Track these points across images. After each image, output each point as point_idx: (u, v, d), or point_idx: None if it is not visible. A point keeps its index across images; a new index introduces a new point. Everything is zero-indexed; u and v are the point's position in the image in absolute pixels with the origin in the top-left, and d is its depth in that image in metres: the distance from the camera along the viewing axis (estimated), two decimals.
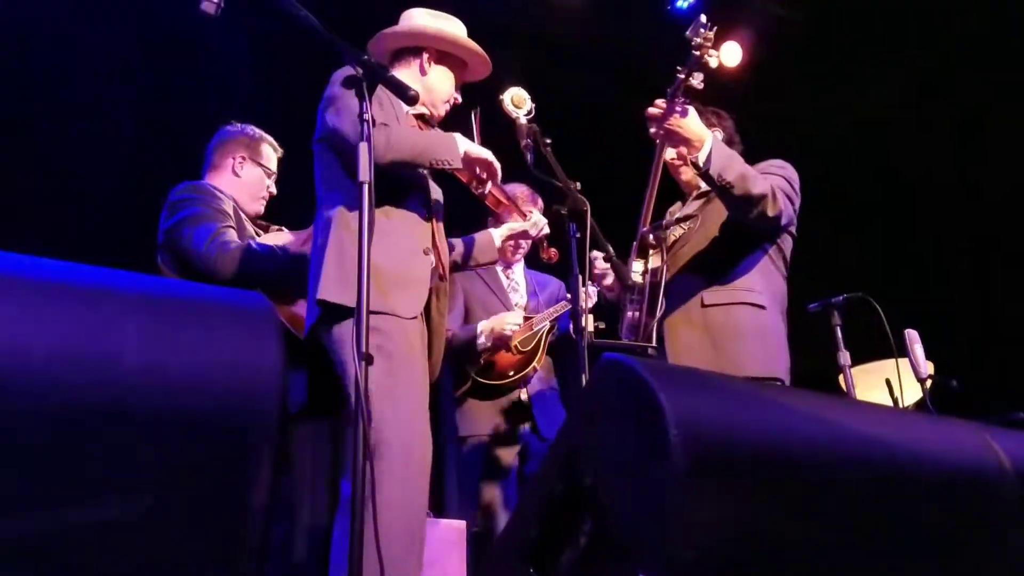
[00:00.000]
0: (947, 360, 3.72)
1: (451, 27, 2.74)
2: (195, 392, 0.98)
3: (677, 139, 2.67)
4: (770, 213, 2.70)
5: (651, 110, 2.64)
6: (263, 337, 1.03)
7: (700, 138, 2.63)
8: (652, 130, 2.67)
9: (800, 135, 5.47)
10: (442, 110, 2.70)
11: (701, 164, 2.61)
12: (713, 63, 2.57)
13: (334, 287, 2.34)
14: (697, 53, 2.55)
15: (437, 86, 2.68)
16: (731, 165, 2.64)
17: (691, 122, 2.64)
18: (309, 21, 2.08)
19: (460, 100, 2.75)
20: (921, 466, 1.38)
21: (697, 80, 2.59)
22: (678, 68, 2.61)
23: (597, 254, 2.82)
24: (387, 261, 2.35)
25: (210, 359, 0.99)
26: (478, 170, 2.56)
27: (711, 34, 2.56)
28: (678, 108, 2.62)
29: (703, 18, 2.57)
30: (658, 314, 2.75)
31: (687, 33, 2.59)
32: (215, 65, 4.22)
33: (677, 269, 2.84)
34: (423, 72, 2.68)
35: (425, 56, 2.69)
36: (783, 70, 5.26)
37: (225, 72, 4.23)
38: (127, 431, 0.94)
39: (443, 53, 2.71)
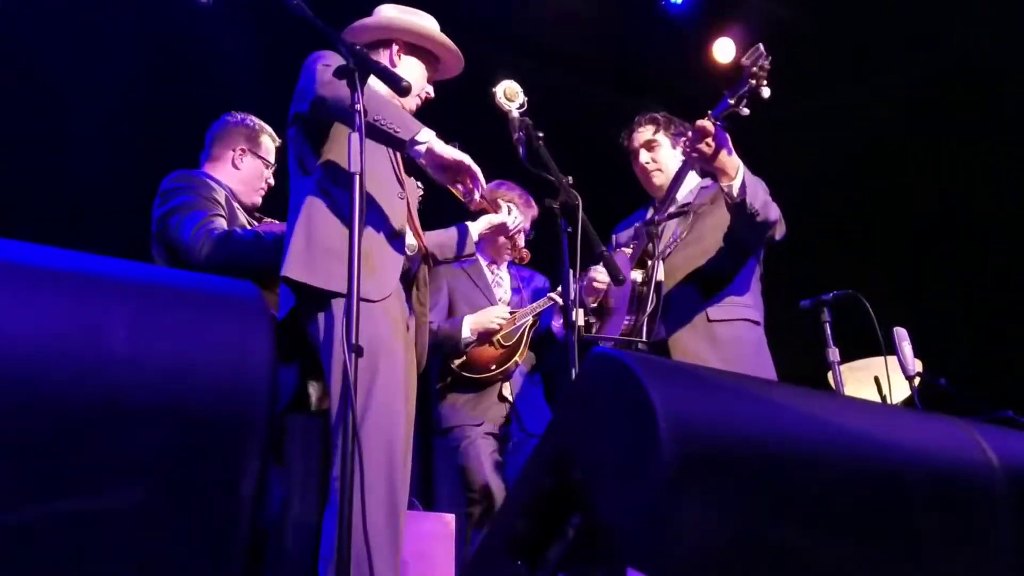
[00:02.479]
0: (935, 358, 3.74)
1: (421, 20, 2.72)
2: (184, 381, 0.97)
3: (716, 168, 2.65)
4: (778, 236, 2.78)
5: (699, 131, 2.59)
6: (253, 326, 1.02)
7: (735, 168, 2.64)
8: (690, 152, 2.62)
9: (795, 133, 5.48)
10: (413, 103, 2.67)
11: (735, 194, 2.62)
12: (766, 94, 2.51)
13: (300, 266, 2.30)
14: (753, 82, 2.51)
15: (408, 78, 2.65)
16: (757, 193, 2.67)
17: (732, 156, 2.63)
18: (301, 10, 2.08)
19: (432, 95, 2.73)
20: (911, 464, 1.38)
21: (744, 110, 2.55)
22: (726, 92, 2.56)
23: (600, 270, 2.82)
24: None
25: (199, 348, 0.99)
26: (454, 175, 2.44)
27: (768, 64, 2.51)
28: (725, 143, 2.59)
29: (762, 47, 2.52)
30: (648, 310, 2.76)
31: (743, 60, 2.53)
32: (213, 54, 4.20)
33: (675, 281, 2.85)
34: (393, 64, 2.64)
35: (395, 48, 2.66)
36: (779, 68, 5.26)
37: (222, 61, 4.21)
38: (115, 421, 0.94)
39: (413, 46, 2.68)
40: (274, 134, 3.09)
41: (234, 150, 2.99)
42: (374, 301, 2.32)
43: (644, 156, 3.07)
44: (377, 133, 2.31)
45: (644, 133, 3.08)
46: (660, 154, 3.05)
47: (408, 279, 2.57)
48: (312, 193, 2.40)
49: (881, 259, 5.55)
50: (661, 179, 3.03)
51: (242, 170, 2.99)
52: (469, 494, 3.42)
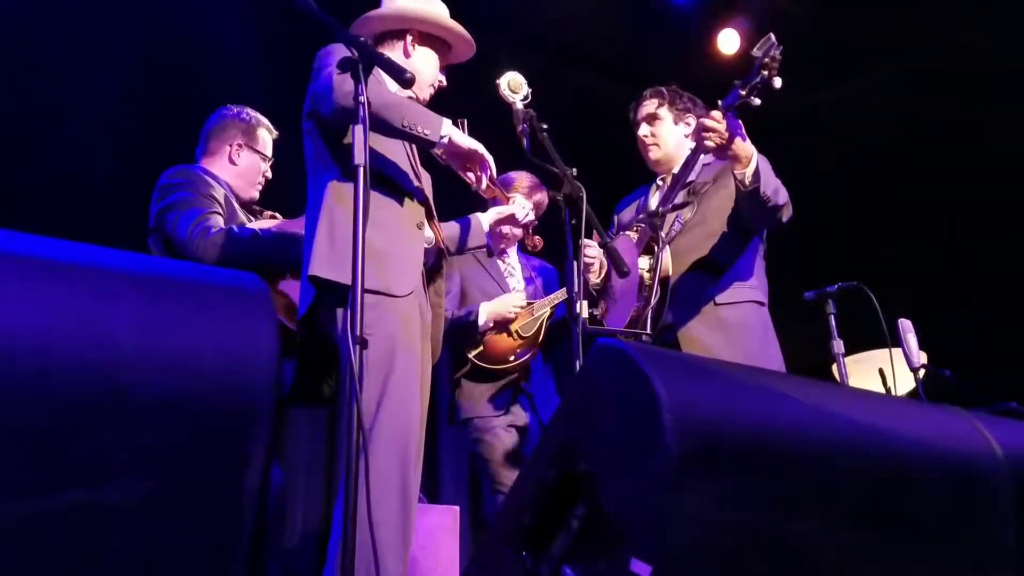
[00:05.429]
0: (940, 350, 3.73)
1: (435, 8, 2.71)
2: (188, 374, 0.97)
3: (729, 156, 2.63)
4: (785, 219, 2.76)
5: (708, 123, 2.57)
6: (257, 317, 1.02)
7: (748, 156, 2.62)
8: (704, 142, 2.61)
9: (800, 125, 5.47)
10: (427, 93, 2.66)
11: (748, 182, 2.61)
12: (777, 84, 2.50)
13: (325, 264, 2.30)
14: (765, 73, 2.49)
15: (422, 68, 2.63)
16: (769, 180, 2.66)
17: (745, 143, 2.61)
18: (304, 2, 2.07)
19: (444, 83, 2.73)
20: (915, 455, 1.38)
21: (756, 100, 2.52)
22: (736, 83, 2.55)
23: (589, 243, 2.78)
24: (378, 238, 2.33)
25: (204, 340, 0.99)
26: (466, 162, 2.52)
27: (779, 54, 2.49)
28: (738, 131, 2.57)
29: (773, 37, 2.50)
30: (652, 302, 2.75)
31: (754, 51, 2.51)
32: (214, 45, 4.19)
33: (682, 266, 2.84)
34: (407, 55, 2.64)
35: (409, 38, 2.65)
36: (784, 59, 5.24)
37: (223, 53, 4.20)
38: (118, 414, 0.94)
39: (426, 35, 2.67)
40: (271, 127, 3.05)
41: (230, 145, 2.97)
42: (397, 296, 2.34)
43: (644, 129, 3.07)
44: (406, 136, 2.39)
45: (648, 106, 3.09)
46: (660, 129, 3.05)
47: (425, 272, 2.57)
48: (330, 186, 2.40)
49: (886, 251, 5.54)
50: (657, 154, 3.04)
51: (239, 165, 2.97)
52: (496, 486, 3.39)
